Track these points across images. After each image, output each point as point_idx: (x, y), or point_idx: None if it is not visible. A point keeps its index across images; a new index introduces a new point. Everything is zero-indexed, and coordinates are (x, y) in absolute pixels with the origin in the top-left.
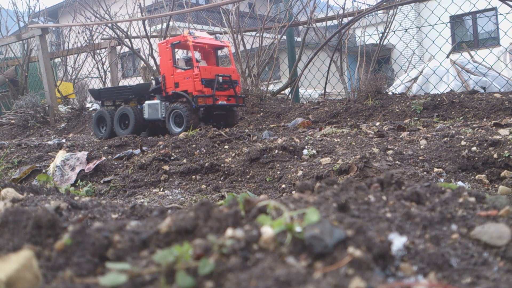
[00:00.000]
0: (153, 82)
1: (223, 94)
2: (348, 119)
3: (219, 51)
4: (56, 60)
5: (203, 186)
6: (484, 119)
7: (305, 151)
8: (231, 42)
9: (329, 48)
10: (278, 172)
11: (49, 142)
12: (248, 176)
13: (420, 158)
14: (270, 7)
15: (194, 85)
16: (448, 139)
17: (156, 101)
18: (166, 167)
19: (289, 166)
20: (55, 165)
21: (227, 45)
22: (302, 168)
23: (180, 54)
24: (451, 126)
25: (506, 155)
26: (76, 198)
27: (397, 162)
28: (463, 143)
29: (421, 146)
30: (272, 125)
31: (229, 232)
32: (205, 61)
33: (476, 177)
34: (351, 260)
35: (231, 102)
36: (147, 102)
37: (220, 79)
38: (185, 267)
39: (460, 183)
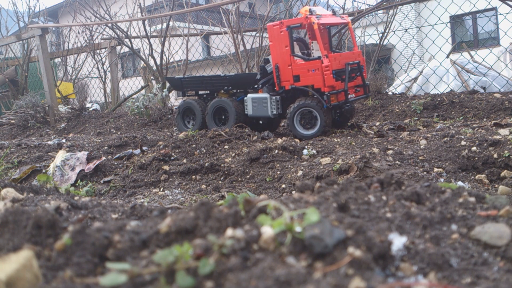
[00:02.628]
0: (260, 72)
1: (350, 86)
2: None
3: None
4: (56, 60)
5: (203, 186)
6: (484, 119)
7: (305, 151)
8: (231, 42)
9: None
10: (278, 172)
11: (49, 142)
12: (248, 176)
13: (420, 158)
14: (270, 7)
15: (323, 79)
16: (448, 139)
17: (264, 94)
18: (166, 167)
19: (289, 166)
20: (55, 165)
21: (348, 22)
22: (302, 168)
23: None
24: (451, 126)
25: (506, 155)
26: (76, 198)
27: (397, 162)
28: (463, 143)
29: (421, 146)
30: None
31: (229, 232)
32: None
33: (476, 177)
34: (351, 260)
35: (360, 94)
36: (251, 95)
37: (349, 68)
38: (185, 267)
39: (460, 183)
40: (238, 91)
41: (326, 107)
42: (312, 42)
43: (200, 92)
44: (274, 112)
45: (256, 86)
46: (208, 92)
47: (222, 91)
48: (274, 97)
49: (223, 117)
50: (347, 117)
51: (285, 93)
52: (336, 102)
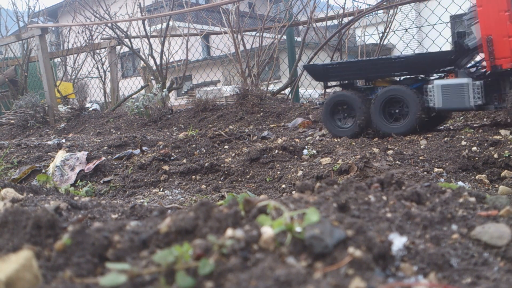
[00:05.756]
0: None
1: None
2: None
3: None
4: (55, 60)
5: (203, 186)
6: (485, 119)
7: (305, 151)
8: (231, 42)
9: (329, 48)
10: (278, 172)
11: (48, 142)
12: (248, 176)
13: (420, 158)
14: (270, 7)
15: None
16: (449, 139)
17: (462, 79)
18: (166, 167)
19: (289, 166)
20: (54, 165)
21: None
22: (302, 168)
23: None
24: (452, 126)
25: (507, 155)
26: (75, 198)
27: (397, 162)
28: (463, 143)
29: (422, 146)
30: (272, 125)
31: (229, 232)
32: None
33: (477, 177)
34: (351, 260)
35: None
36: (440, 82)
37: None
38: (185, 267)
39: (460, 183)
40: (401, 78)
41: None
42: None
43: (336, 82)
44: (479, 103)
45: (443, 68)
46: (347, 81)
47: (379, 79)
48: (476, 83)
49: (396, 111)
50: None
51: (492, 76)
52: None
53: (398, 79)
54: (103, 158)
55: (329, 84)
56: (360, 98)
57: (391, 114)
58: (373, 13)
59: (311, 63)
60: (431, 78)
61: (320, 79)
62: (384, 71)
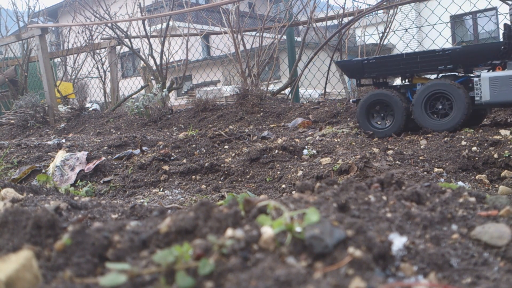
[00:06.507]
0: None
1: None
2: (348, 119)
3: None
4: (55, 60)
5: (203, 186)
6: (484, 119)
7: (305, 151)
8: (231, 42)
9: (329, 48)
10: (278, 172)
11: (48, 142)
12: (248, 176)
13: (420, 158)
14: (270, 7)
15: None
16: (449, 139)
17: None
18: (166, 167)
19: (289, 166)
20: (54, 165)
21: None
22: (302, 168)
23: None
24: None
25: (507, 155)
26: (75, 198)
27: (397, 162)
28: (463, 143)
29: (421, 146)
30: (272, 125)
31: (229, 232)
32: None
33: (477, 177)
34: (351, 260)
35: None
36: (486, 74)
37: None
38: (185, 267)
39: (460, 183)
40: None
41: None
42: None
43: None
44: None
45: (490, 61)
46: (383, 79)
47: (416, 76)
48: None
49: (439, 107)
50: None
51: None
52: None
53: (436, 76)
54: (103, 158)
55: (362, 82)
56: (398, 96)
57: (433, 110)
58: (373, 13)
59: (341, 59)
60: (471, 75)
61: (354, 76)
62: (426, 66)
